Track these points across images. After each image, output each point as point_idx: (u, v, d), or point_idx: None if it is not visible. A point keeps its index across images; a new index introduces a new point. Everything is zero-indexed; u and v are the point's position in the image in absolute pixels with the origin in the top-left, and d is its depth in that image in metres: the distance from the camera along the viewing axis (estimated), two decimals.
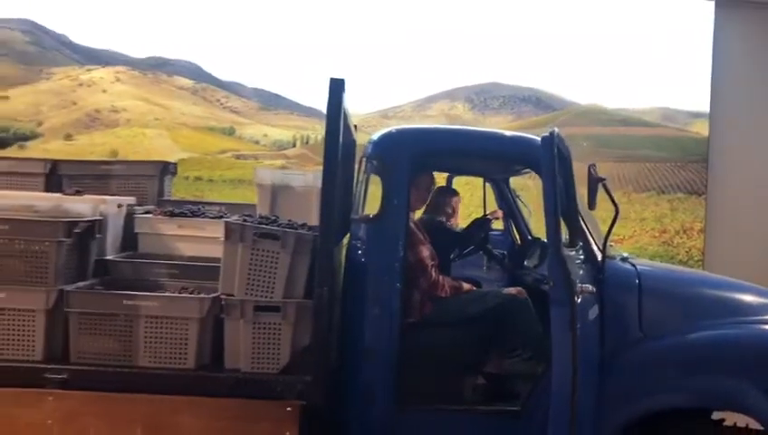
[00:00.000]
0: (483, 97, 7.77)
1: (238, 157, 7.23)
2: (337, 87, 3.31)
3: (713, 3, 7.52)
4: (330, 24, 7.04)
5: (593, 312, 3.29)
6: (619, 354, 3.42)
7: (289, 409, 3.15)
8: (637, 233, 7.73)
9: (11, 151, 6.59)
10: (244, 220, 3.44)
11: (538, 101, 7.79)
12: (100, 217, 3.62)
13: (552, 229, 3.14)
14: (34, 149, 6.68)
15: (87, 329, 3.21)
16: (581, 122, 7.77)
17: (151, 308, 3.20)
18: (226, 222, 3.37)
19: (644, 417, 3.39)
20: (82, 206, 3.63)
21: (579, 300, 3.11)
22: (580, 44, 7.45)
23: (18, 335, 3.21)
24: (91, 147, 6.80)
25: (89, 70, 7.07)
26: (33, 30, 6.99)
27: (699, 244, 7.70)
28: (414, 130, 4.33)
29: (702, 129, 7.77)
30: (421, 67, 7.23)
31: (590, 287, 3.21)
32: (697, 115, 7.80)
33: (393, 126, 4.32)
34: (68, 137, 6.91)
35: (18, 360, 3.20)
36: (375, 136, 3.93)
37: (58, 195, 3.86)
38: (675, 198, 7.84)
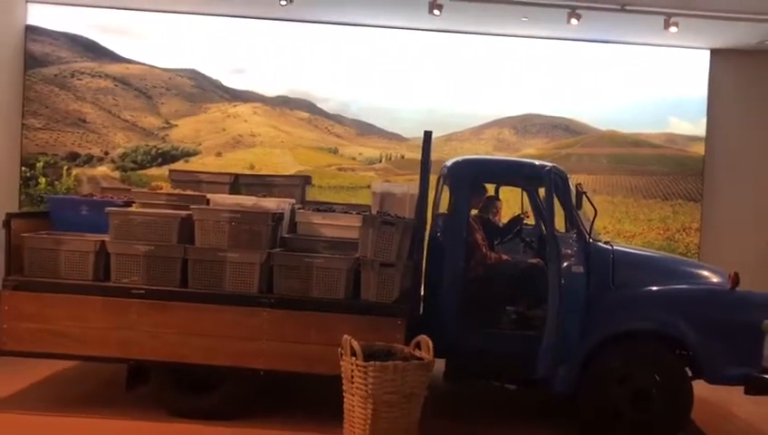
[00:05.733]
0: (524, 124, 9.35)
1: (340, 169, 9.14)
2: (428, 136, 5.51)
3: (708, 51, 9.22)
4: (408, 74, 9.14)
5: (577, 268, 5.34)
6: (599, 299, 5.47)
7: (399, 322, 5.23)
8: (645, 230, 9.28)
9: (178, 165, 8.74)
10: (370, 214, 5.63)
11: (567, 128, 9.30)
12: (282, 211, 5.81)
13: (549, 220, 5.31)
14: (195, 163, 8.81)
15: (283, 274, 5.41)
16: (602, 144, 9.29)
17: (320, 263, 5.37)
18: (363, 214, 5.56)
19: (614, 337, 5.39)
20: (271, 204, 5.84)
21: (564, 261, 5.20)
22: (601, 83, 9.19)
23: (245, 278, 5.40)
24: (234, 161, 8.84)
25: (235, 105, 9.09)
26: (196, 76, 9.04)
27: (696, 240, 9.26)
28: (472, 159, 6.50)
29: (699, 149, 9.29)
30: (476, 102, 9.17)
31: (569, 251, 5.29)
32: (695, 139, 9.30)
33: (456, 152, 6.37)
34: (218, 154, 9.01)
35: (245, 292, 5.37)
36: (448, 162, 6.11)
37: (254, 197, 6.03)
38: (676, 203, 9.30)
